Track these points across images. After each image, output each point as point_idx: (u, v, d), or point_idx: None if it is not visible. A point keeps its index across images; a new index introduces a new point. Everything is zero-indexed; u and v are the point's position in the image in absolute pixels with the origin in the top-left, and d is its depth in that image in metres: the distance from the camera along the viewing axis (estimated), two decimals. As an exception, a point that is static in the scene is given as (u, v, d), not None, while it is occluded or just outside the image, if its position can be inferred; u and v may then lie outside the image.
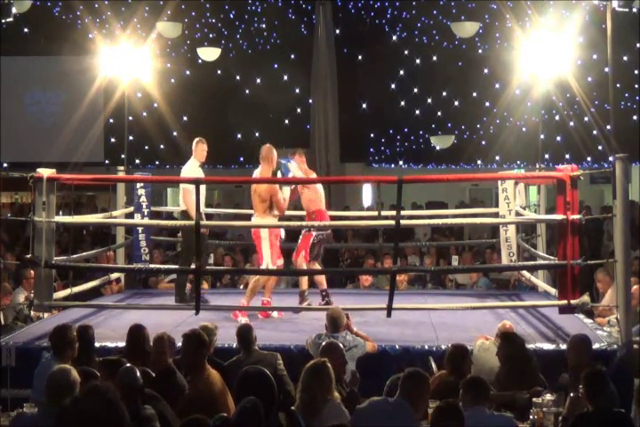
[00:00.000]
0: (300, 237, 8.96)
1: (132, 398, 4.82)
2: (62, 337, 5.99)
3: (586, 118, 17.53)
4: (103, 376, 5.19)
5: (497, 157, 20.64)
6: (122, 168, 10.86)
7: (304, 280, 9.06)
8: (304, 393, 4.98)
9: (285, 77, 21.70)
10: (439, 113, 21.72)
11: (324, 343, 6.08)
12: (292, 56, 21.74)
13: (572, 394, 5.29)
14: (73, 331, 6.05)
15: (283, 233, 8.74)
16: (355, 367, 6.39)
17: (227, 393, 5.53)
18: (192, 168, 8.81)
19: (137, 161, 21.14)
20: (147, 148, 21.36)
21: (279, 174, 8.62)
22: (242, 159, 21.37)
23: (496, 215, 10.07)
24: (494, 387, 5.55)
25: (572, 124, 19.02)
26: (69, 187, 8.74)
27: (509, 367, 5.86)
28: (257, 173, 8.59)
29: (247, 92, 21.59)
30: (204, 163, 8.91)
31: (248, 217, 9.03)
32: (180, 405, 5.37)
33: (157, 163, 21.65)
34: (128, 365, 5.20)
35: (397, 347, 6.96)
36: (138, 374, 5.05)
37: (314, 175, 9.29)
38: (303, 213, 9.24)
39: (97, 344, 6.61)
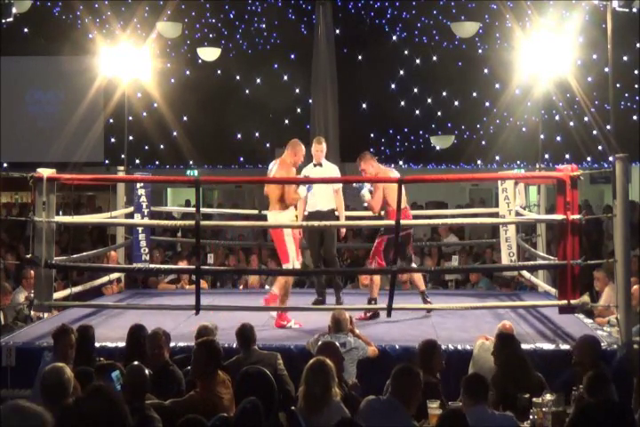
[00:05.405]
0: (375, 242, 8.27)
1: (138, 396, 4.82)
2: (63, 338, 5.99)
3: (586, 118, 17.48)
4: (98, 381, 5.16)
5: (497, 157, 20.59)
6: (122, 168, 10.87)
7: (374, 286, 8.44)
8: (306, 390, 4.99)
9: (285, 77, 21.67)
10: (439, 113, 21.67)
11: (320, 343, 6.10)
12: (292, 56, 21.70)
13: (573, 392, 5.29)
14: (73, 332, 6.05)
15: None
16: (355, 369, 6.40)
17: (231, 408, 5.24)
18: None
19: (137, 161, 21.11)
20: (147, 148, 21.31)
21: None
22: (242, 159, 21.37)
23: (496, 215, 10.07)
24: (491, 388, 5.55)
25: (572, 124, 18.98)
26: (69, 187, 8.73)
27: (504, 369, 5.86)
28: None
29: (247, 92, 21.54)
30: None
31: (248, 217, 9.00)
32: (179, 408, 5.24)
33: (157, 163, 21.62)
34: (136, 363, 5.19)
35: (397, 347, 6.95)
36: (146, 372, 5.04)
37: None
38: None
39: (97, 344, 6.61)
